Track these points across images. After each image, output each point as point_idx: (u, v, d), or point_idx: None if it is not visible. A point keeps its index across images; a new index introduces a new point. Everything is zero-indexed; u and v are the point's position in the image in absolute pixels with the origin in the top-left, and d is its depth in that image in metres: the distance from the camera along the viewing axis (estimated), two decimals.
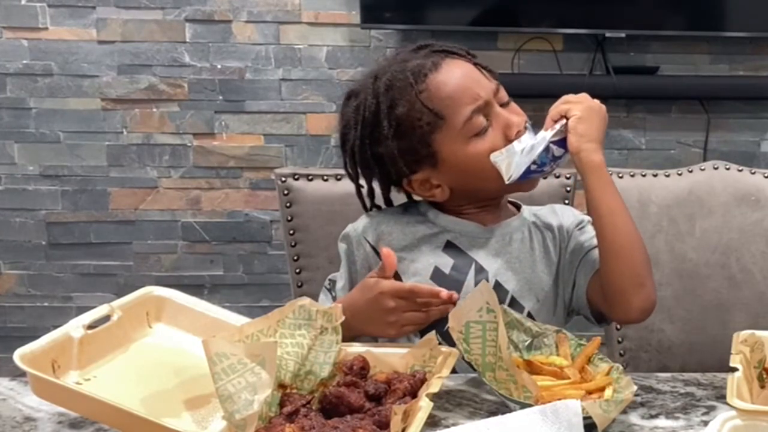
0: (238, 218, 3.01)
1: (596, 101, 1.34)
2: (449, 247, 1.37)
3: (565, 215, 1.43)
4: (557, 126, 1.30)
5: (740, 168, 1.78)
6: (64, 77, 2.89)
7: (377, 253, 1.36)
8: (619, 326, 1.73)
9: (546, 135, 1.30)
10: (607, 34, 2.92)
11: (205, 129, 2.96)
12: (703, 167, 1.78)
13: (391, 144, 1.32)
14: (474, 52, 1.42)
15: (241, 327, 1.01)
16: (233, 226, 3.01)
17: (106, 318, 1.11)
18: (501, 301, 1.33)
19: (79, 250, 2.98)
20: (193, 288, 2.81)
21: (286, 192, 1.64)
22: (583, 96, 1.34)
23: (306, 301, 1.07)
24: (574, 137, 1.29)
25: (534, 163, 1.30)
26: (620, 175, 1.75)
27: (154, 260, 3.01)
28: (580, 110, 1.30)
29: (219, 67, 2.93)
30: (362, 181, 1.41)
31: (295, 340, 1.05)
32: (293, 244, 1.65)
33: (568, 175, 1.68)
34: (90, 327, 1.07)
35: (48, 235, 2.97)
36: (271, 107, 2.96)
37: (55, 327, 1.05)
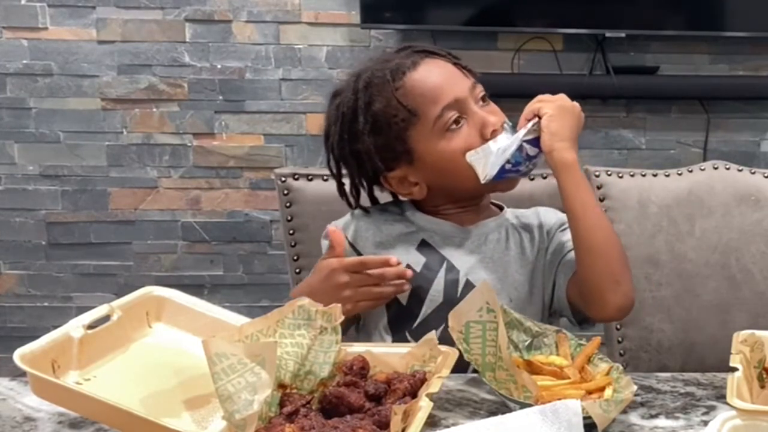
0: (238, 218, 3.01)
1: (570, 101, 1.35)
2: (423, 245, 1.39)
3: (548, 216, 1.44)
4: (529, 125, 1.31)
5: (740, 168, 1.79)
6: (64, 77, 2.89)
7: (356, 250, 1.39)
8: (619, 326, 1.73)
9: (519, 134, 1.31)
10: (607, 34, 2.92)
11: (205, 129, 2.96)
12: (703, 167, 1.79)
13: (367, 140, 1.35)
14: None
15: (240, 327, 1.01)
16: (233, 226, 3.01)
17: (106, 318, 1.10)
18: None
19: (79, 250, 2.99)
20: (193, 288, 2.81)
21: (286, 192, 1.64)
22: (558, 96, 1.34)
23: (305, 301, 1.07)
24: (546, 136, 1.30)
25: (508, 162, 1.31)
26: (620, 175, 1.75)
27: (154, 260, 3.01)
28: (552, 109, 1.31)
29: (219, 67, 2.93)
30: (347, 180, 1.43)
31: (294, 340, 1.05)
32: (293, 244, 1.65)
33: None
34: (90, 327, 1.07)
35: (48, 235, 2.97)
36: (271, 107, 2.96)
37: (55, 327, 1.05)
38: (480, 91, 1.37)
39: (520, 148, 1.30)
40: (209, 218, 3.00)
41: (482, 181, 1.32)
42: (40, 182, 2.95)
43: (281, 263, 2.84)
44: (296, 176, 1.64)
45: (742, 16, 2.98)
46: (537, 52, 2.97)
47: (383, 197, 1.46)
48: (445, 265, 1.38)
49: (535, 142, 1.31)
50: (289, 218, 1.64)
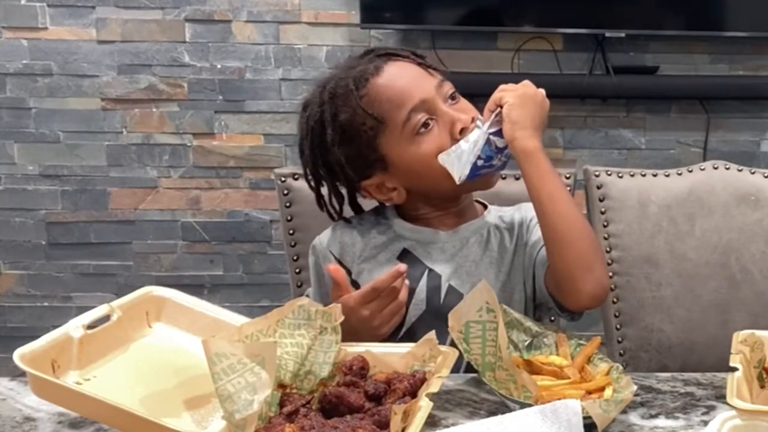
0: (238, 218, 3.01)
1: (534, 88, 1.32)
2: (404, 254, 1.38)
3: (528, 210, 1.40)
4: (492, 116, 1.29)
5: (740, 168, 1.78)
6: (64, 77, 2.89)
7: (343, 266, 1.37)
8: (619, 326, 1.73)
9: (484, 128, 1.29)
10: (607, 34, 2.92)
11: (204, 129, 2.96)
12: (703, 167, 1.78)
13: (338, 151, 1.33)
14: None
15: (240, 327, 1.01)
16: (233, 226, 3.01)
17: (106, 318, 1.11)
18: (456, 305, 1.33)
19: (79, 250, 2.99)
20: (193, 288, 2.81)
21: (285, 192, 1.64)
22: (521, 83, 1.32)
23: (305, 301, 1.07)
24: (507, 125, 1.28)
25: (479, 158, 1.29)
26: (620, 175, 1.75)
27: (154, 260, 3.01)
28: (512, 97, 1.29)
29: (219, 67, 2.93)
30: (326, 190, 1.41)
31: (294, 340, 1.05)
32: (293, 244, 1.64)
33: (567, 175, 1.68)
34: (90, 327, 1.07)
35: (48, 235, 2.97)
36: (271, 107, 2.96)
37: (55, 327, 1.05)
38: (449, 88, 1.35)
39: (488, 142, 1.28)
40: (209, 218, 3.00)
41: (457, 182, 1.30)
42: (40, 182, 2.95)
43: (281, 263, 2.83)
44: (296, 176, 1.64)
45: (742, 16, 2.98)
46: (537, 52, 2.97)
47: (365, 203, 1.44)
48: (426, 274, 1.37)
49: (501, 132, 1.28)
50: (289, 218, 1.64)
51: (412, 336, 1.32)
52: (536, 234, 1.37)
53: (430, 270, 1.37)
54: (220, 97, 2.95)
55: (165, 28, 2.90)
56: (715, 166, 1.78)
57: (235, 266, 3.03)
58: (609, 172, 1.75)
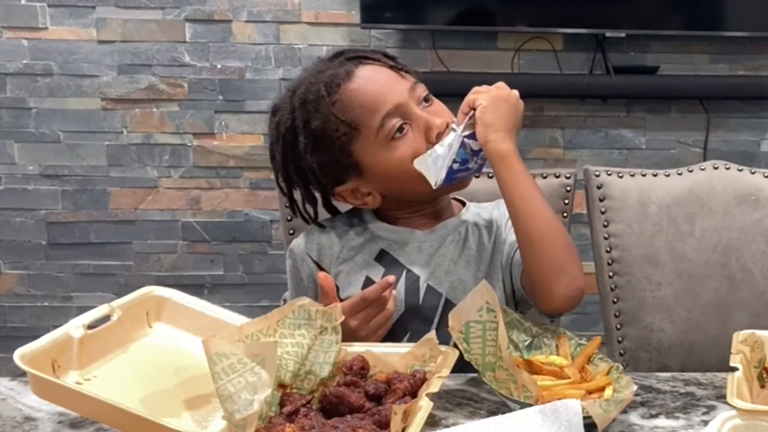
0: (238, 218, 3.01)
1: (508, 90, 1.31)
2: (382, 255, 1.37)
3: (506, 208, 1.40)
4: (466, 119, 1.28)
5: (740, 168, 1.78)
6: (64, 77, 2.89)
7: (321, 268, 1.37)
8: (619, 326, 1.73)
9: (458, 131, 1.28)
10: (607, 34, 2.92)
11: (205, 129, 2.96)
12: (703, 167, 1.78)
13: (310, 158, 1.32)
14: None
15: (241, 327, 1.01)
16: (233, 225, 3.01)
17: (106, 318, 1.11)
18: (435, 305, 1.34)
19: (79, 250, 2.99)
20: (193, 288, 2.81)
21: None
22: (495, 85, 1.31)
23: (306, 300, 1.07)
24: (480, 128, 1.27)
25: (455, 162, 1.28)
26: (620, 175, 1.75)
27: (154, 260, 3.01)
28: (486, 99, 1.28)
29: (219, 66, 2.93)
30: (299, 195, 1.41)
31: (294, 340, 1.05)
32: None
33: (568, 175, 1.68)
34: (90, 327, 1.08)
35: (48, 235, 2.97)
36: (270, 107, 2.95)
37: (55, 327, 1.05)
38: (422, 91, 1.34)
39: (463, 145, 1.27)
40: (209, 218, 3.00)
41: (434, 187, 1.29)
42: (40, 182, 2.95)
43: (281, 263, 2.81)
44: None
45: (742, 16, 2.98)
46: (537, 52, 2.97)
47: (341, 206, 1.43)
48: (404, 274, 1.36)
49: (474, 135, 1.28)
50: (289, 218, 1.64)
51: (392, 337, 1.31)
52: (513, 234, 1.35)
53: (408, 270, 1.36)
54: (220, 97, 2.95)
55: (165, 28, 2.90)
56: (715, 166, 1.78)
57: (236, 266, 3.03)
58: (609, 172, 1.75)
